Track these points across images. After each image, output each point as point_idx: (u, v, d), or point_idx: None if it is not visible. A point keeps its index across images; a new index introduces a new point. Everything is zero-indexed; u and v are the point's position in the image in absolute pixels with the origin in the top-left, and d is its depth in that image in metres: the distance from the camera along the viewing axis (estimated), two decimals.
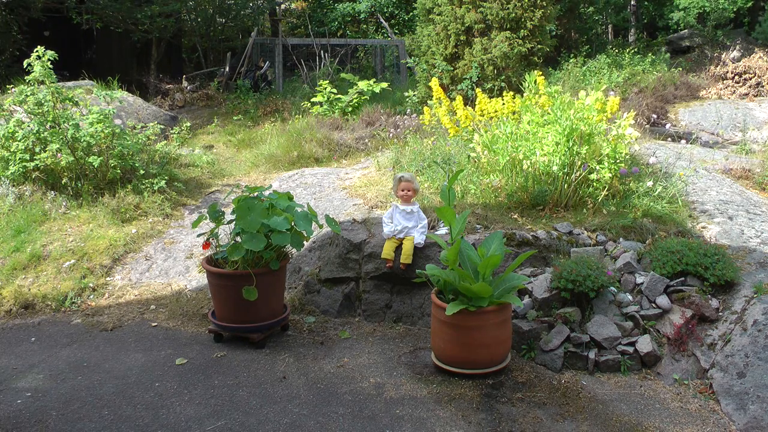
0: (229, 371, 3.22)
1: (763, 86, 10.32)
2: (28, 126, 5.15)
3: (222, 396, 2.97)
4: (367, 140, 7.03)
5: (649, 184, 4.43)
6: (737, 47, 11.75)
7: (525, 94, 4.91)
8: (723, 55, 11.55)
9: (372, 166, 5.88)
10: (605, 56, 10.55)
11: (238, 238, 3.48)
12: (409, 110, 8.06)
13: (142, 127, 6.18)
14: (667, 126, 7.59)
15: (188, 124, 7.59)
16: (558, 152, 4.23)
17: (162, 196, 5.39)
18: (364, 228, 4.18)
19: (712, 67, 11.19)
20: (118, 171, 5.33)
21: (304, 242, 3.60)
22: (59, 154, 5.15)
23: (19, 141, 5.12)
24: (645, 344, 3.27)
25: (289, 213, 3.49)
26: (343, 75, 10.55)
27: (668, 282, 3.48)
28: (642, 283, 3.51)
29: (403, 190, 3.80)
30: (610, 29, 14.97)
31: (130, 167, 5.46)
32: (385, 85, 9.11)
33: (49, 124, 5.16)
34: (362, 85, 8.85)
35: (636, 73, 10.26)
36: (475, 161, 4.80)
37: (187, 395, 2.98)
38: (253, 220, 3.36)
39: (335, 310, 3.96)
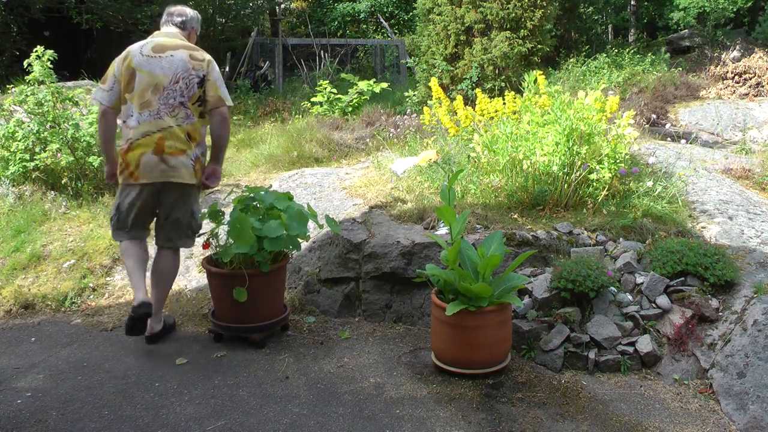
0: (229, 371, 3.22)
1: (763, 86, 10.32)
2: (28, 126, 5.15)
3: (222, 396, 2.98)
4: (367, 140, 7.03)
5: (649, 184, 4.43)
6: (737, 47, 11.75)
7: (525, 94, 4.90)
8: (723, 55, 11.56)
9: (372, 166, 5.89)
10: (605, 56, 10.55)
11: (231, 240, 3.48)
12: (409, 110, 8.07)
13: None
14: (667, 126, 7.59)
15: None
16: (558, 152, 4.23)
17: None
18: (364, 228, 4.18)
19: (712, 67, 11.19)
20: None
21: (302, 242, 3.59)
22: (59, 154, 5.16)
23: (19, 141, 5.12)
24: (645, 344, 3.27)
25: (286, 213, 3.47)
26: (343, 75, 10.56)
27: (668, 282, 3.48)
28: (642, 283, 3.51)
29: None
30: (610, 29, 14.96)
31: None
32: (385, 85, 9.11)
33: (49, 124, 5.16)
34: (362, 85, 8.86)
35: (636, 73, 10.26)
36: (475, 161, 4.80)
37: (187, 395, 2.98)
38: (245, 231, 3.34)
39: (335, 310, 3.96)
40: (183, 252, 4.68)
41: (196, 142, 3.41)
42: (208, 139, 3.68)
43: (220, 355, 3.40)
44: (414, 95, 8.60)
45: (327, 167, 6.37)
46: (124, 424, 2.73)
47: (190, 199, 3.49)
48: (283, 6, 15.09)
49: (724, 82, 10.64)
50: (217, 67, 3.47)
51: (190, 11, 3.62)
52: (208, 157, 3.63)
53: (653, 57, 11.17)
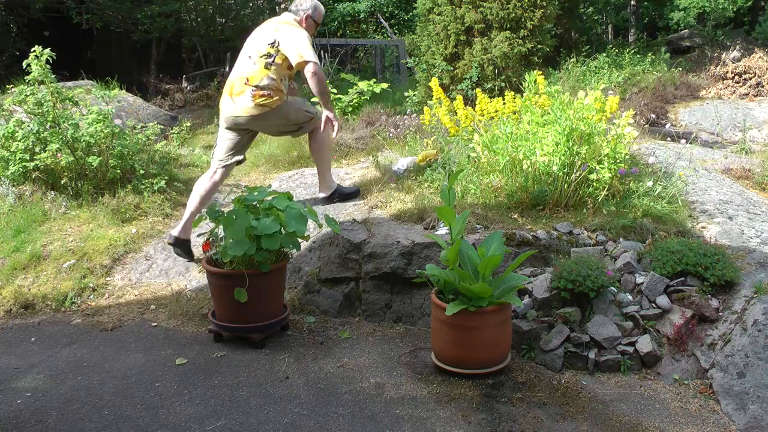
0: (229, 371, 3.22)
1: (763, 86, 10.32)
2: (28, 126, 5.15)
3: (222, 396, 2.98)
4: (367, 140, 7.02)
5: (649, 184, 4.43)
6: (737, 47, 11.75)
7: (525, 94, 4.90)
8: (723, 55, 11.56)
9: (372, 166, 5.88)
10: (605, 56, 10.54)
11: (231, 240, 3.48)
12: (409, 110, 8.06)
13: (142, 127, 6.17)
14: (667, 126, 7.59)
15: (188, 124, 7.58)
16: (558, 152, 4.23)
17: (162, 196, 5.39)
18: (364, 228, 4.18)
19: (712, 67, 11.19)
20: (118, 171, 5.33)
21: (302, 242, 3.58)
22: (59, 154, 5.15)
23: (19, 141, 5.12)
24: (645, 344, 3.27)
25: (285, 212, 3.47)
26: (343, 75, 10.54)
27: (668, 282, 3.48)
28: (642, 283, 3.51)
29: None
30: (610, 29, 14.97)
31: (130, 167, 5.46)
32: (385, 85, 9.09)
33: (48, 124, 5.16)
34: (362, 85, 8.84)
35: (636, 73, 10.25)
36: (475, 161, 4.80)
37: (187, 395, 2.98)
38: (239, 227, 3.35)
39: (335, 310, 3.96)
40: None
41: (252, 84, 4.20)
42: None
43: (220, 355, 3.40)
44: (414, 95, 8.58)
45: None
46: (124, 424, 2.74)
47: (271, 122, 4.39)
48: (283, 6, 15.09)
49: (724, 82, 10.64)
50: (292, 32, 4.22)
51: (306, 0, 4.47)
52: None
53: (653, 57, 11.17)
